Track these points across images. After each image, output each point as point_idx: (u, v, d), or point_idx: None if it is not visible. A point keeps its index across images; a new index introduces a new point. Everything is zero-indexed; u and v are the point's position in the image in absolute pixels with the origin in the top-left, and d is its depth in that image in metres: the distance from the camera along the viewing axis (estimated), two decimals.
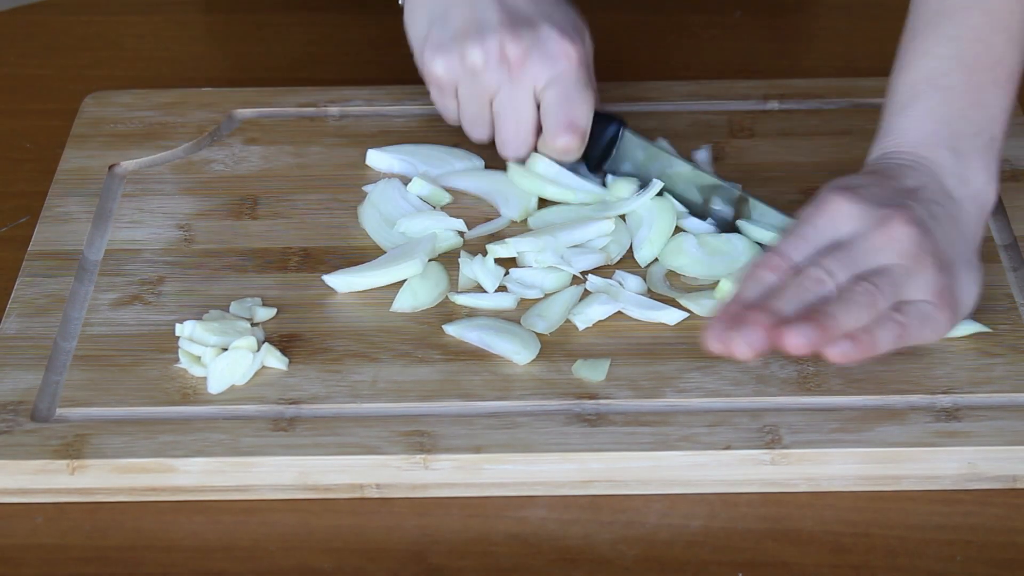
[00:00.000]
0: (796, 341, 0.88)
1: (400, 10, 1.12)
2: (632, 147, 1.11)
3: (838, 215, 0.94)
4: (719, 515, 0.92)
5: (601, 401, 0.96)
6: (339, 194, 1.12)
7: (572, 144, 1.08)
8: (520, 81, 1.06)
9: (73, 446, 0.93)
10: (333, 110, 1.19)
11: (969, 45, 1.00)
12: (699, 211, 1.09)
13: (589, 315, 1.00)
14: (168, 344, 1.00)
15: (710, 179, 1.08)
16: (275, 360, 0.98)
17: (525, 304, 1.03)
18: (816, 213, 0.95)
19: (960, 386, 0.96)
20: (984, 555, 0.90)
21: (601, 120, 1.10)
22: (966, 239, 0.97)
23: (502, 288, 1.03)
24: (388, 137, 1.16)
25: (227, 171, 1.14)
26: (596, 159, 1.11)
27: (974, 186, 0.98)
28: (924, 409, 0.95)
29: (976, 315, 1.00)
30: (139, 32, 1.34)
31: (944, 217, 0.96)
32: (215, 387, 0.97)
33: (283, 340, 1.00)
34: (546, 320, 1.00)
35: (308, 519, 0.92)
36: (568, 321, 1.01)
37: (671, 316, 1.01)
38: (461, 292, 1.03)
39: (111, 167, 1.14)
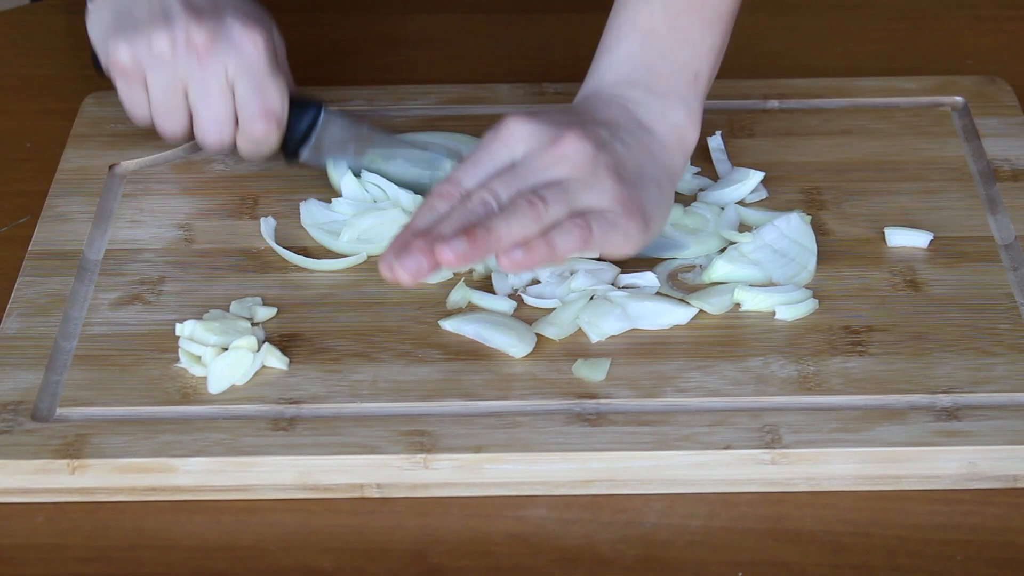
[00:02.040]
0: (447, 255, 0.91)
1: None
2: (336, 128, 1.11)
3: (512, 138, 0.96)
4: (719, 515, 0.92)
5: (601, 401, 0.96)
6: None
7: (269, 131, 1.08)
8: (208, 68, 1.06)
9: (73, 446, 0.93)
10: (333, 110, 1.19)
11: None
12: (423, 187, 1.09)
13: (603, 328, 1.00)
14: (168, 344, 1.00)
15: (422, 146, 1.10)
16: (275, 360, 0.98)
17: (525, 308, 1.03)
18: (491, 138, 0.97)
19: (960, 386, 0.96)
20: (984, 555, 0.90)
21: (299, 105, 1.10)
22: (658, 164, 0.99)
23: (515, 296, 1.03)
24: None
25: (227, 171, 1.14)
26: (294, 145, 1.10)
27: (672, 119, 1.01)
28: (924, 409, 0.94)
29: (976, 314, 1.00)
30: None
31: (634, 143, 0.99)
32: (215, 387, 0.97)
33: (283, 340, 1.00)
34: (557, 327, 1.00)
35: (308, 519, 0.92)
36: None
37: (683, 316, 1.01)
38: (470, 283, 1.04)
39: (111, 167, 1.14)
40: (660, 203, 0.99)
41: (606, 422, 0.94)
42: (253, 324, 1.01)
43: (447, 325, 1.00)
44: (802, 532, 0.91)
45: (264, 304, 1.03)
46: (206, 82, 1.06)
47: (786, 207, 1.09)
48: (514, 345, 0.99)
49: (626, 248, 0.97)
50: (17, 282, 1.05)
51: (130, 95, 1.08)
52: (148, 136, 1.16)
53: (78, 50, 1.32)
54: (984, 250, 1.06)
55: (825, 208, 1.09)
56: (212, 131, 1.08)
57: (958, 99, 1.19)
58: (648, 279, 1.03)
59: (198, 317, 1.01)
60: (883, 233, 1.07)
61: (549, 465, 0.93)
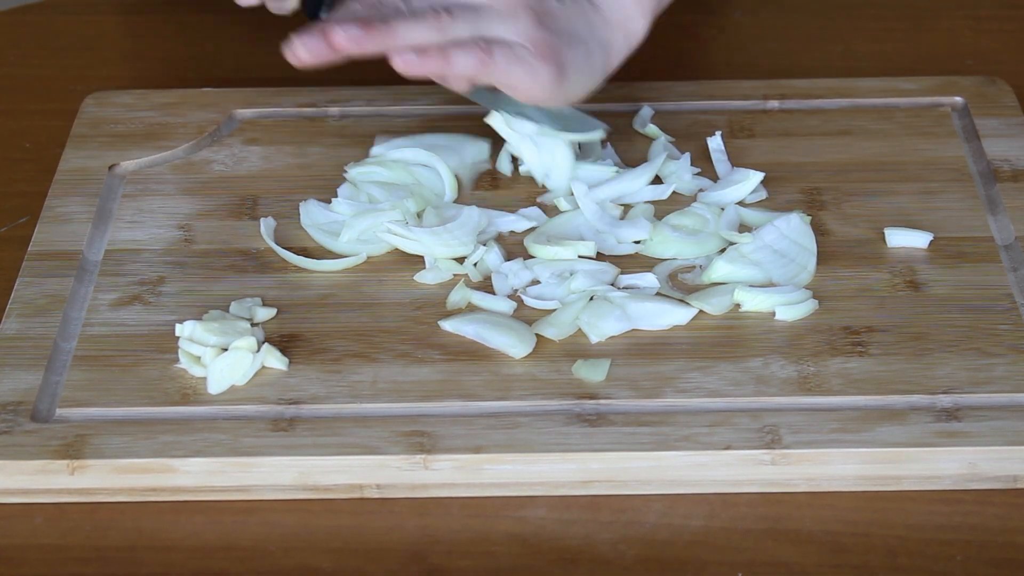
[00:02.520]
0: (339, 36, 0.95)
1: None
2: None
3: None
4: (719, 515, 0.92)
5: (601, 401, 0.96)
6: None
7: None
8: None
9: (73, 446, 0.93)
10: (333, 110, 1.19)
11: None
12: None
13: (603, 329, 1.00)
14: (168, 344, 1.00)
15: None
16: (275, 360, 0.98)
17: (525, 309, 1.03)
18: None
19: (960, 386, 0.96)
20: (984, 555, 0.90)
21: None
22: (594, 32, 1.02)
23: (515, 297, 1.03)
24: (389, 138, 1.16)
25: (227, 171, 1.14)
26: (314, 5, 1.09)
27: (622, 4, 1.04)
28: (924, 409, 0.94)
29: (976, 315, 1.00)
30: (139, 32, 1.34)
31: (572, 5, 1.02)
32: (215, 387, 0.97)
33: (283, 340, 1.00)
34: (557, 328, 1.00)
35: (308, 519, 0.92)
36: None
37: (683, 317, 1.00)
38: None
39: (111, 167, 1.14)
40: (583, 64, 1.01)
41: (606, 423, 0.94)
42: (253, 324, 1.01)
43: (447, 326, 1.00)
44: (802, 532, 0.91)
45: (264, 305, 1.03)
46: None
47: (786, 208, 1.09)
48: (514, 346, 0.99)
49: (533, 90, 1.00)
50: (16, 282, 1.04)
51: None
52: (148, 136, 1.16)
53: (78, 50, 1.32)
54: (984, 251, 1.05)
55: (825, 209, 1.09)
56: None
57: (958, 100, 1.19)
58: (648, 280, 1.03)
59: (198, 317, 1.01)
60: (883, 234, 1.07)
61: (549, 466, 0.93)
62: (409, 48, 0.97)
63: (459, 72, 0.98)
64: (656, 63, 1.27)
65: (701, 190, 1.10)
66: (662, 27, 1.32)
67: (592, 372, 0.97)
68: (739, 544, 0.91)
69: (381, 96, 1.20)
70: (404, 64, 0.97)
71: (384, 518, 0.92)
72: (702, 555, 0.90)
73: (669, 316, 1.01)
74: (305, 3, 1.08)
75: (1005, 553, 0.90)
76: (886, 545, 0.90)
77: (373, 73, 1.26)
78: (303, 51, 0.97)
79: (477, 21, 0.98)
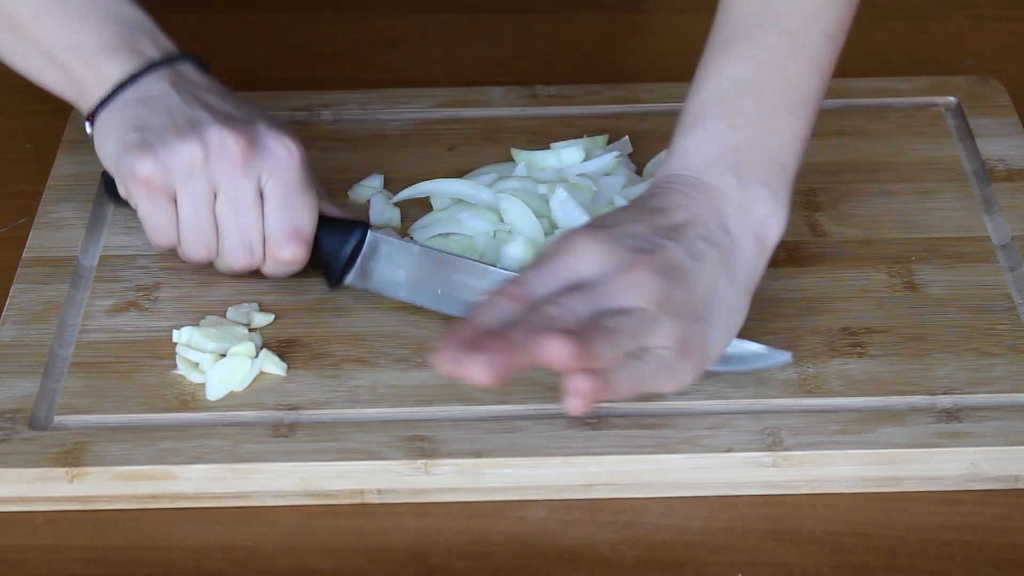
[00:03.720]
0: (558, 348, 0.84)
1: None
2: (390, 250, 1.02)
3: (583, 255, 0.90)
4: (719, 515, 0.92)
5: (602, 404, 0.95)
6: (338, 199, 1.11)
7: (296, 254, 1.00)
8: (244, 176, 0.98)
9: (72, 454, 0.93)
10: (326, 114, 1.19)
11: (761, 67, 0.95)
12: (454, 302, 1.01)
13: None
14: (165, 350, 0.99)
15: (496, 272, 1.00)
16: (274, 366, 0.98)
17: None
18: (561, 250, 0.90)
19: (960, 387, 0.96)
20: (984, 555, 0.90)
21: (339, 225, 1.02)
22: (734, 279, 0.93)
23: None
24: (382, 141, 1.16)
25: None
26: (339, 271, 1.02)
27: (755, 216, 0.94)
28: (925, 410, 0.95)
29: (975, 315, 1.00)
30: None
31: (710, 256, 0.92)
32: (214, 393, 0.97)
33: (281, 346, 1.00)
34: None
35: (308, 520, 0.92)
36: None
37: None
38: None
39: (104, 172, 1.14)
40: (723, 336, 0.92)
41: (607, 426, 0.94)
42: (250, 330, 1.01)
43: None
44: (802, 532, 0.91)
45: (260, 310, 1.02)
46: (239, 193, 0.98)
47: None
48: None
49: (670, 390, 0.91)
50: (12, 289, 1.04)
51: (154, 214, 0.99)
52: None
53: None
54: (981, 251, 1.06)
55: (821, 209, 1.09)
56: (240, 252, 1.00)
57: (951, 99, 1.19)
58: None
59: (195, 323, 1.00)
60: (879, 234, 1.07)
61: (550, 469, 0.93)
62: (587, 370, 0.86)
63: (621, 393, 0.89)
64: (654, 63, 1.27)
65: None
66: (662, 28, 1.32)
67: None
68: (739, 544, 0.91)
69: (374, 99, 1.20)
70: (581, 390, 0.86)
71: (384, 519, 0.92)
72: (702, 556, 0.90)
73: None
74: (327, 272, 1.02)
75: (1005, 553, 0.90)
76: (886, 545, 0.90)
77: (369, 73, 1.26)
78: (482, 370, 0.84)
79: (637, 332, 0.88)
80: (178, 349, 0.99)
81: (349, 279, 1.02)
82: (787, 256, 1.05)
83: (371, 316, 1.02)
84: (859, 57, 1.28)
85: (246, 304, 1.02)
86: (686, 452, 0.93)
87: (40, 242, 1.08)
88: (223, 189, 0.98)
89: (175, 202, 0.99)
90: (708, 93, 0.96)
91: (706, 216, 0.93)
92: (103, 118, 1.00)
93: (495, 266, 1.01)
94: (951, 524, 0.92)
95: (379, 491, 0.93)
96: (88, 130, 1.01)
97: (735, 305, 0.93)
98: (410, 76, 1.26)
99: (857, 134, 1.16)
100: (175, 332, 1.00)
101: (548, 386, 0.97)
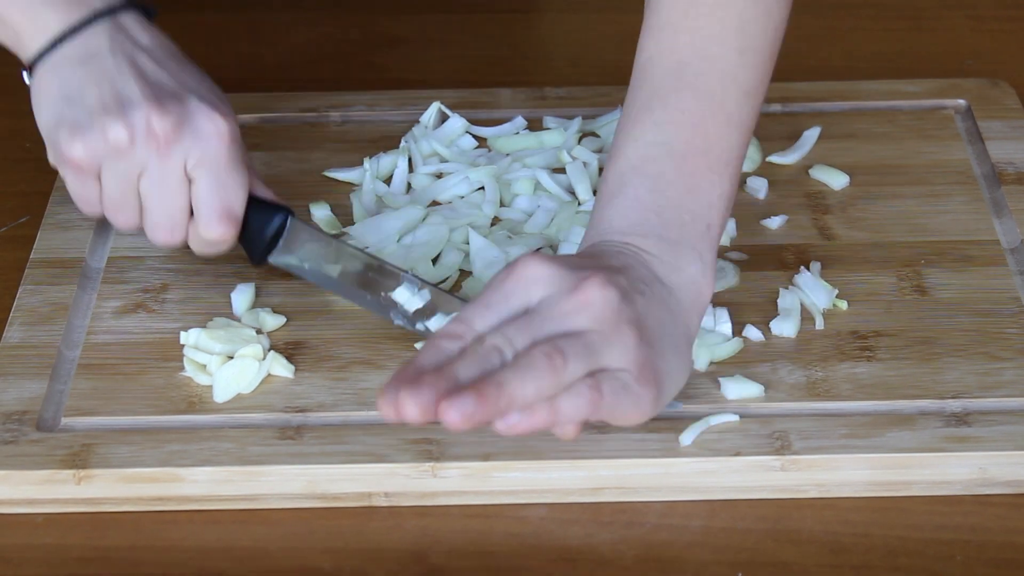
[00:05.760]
0: (451, 416, 0.81)
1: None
2: (303, 238, 1.01)
3: (528, 280, 0.87)
4: (719, 515, 0.92)
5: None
6: (341, 200, 1.11)
7: (227, 234, 0.98)
8: (169, 158, 0.97)
9: (79, 456, 0.93)
10: (334, 115, 1.19)
11: (679, 130, 0.94)
12: (378, 305, 1.00)
13: None
14: (173, 352, 0.99)
15: (391, 268, 1.00)
16: (281, 368, 0.98)
17: None
18: (505, 278, 0.87)
19: (969, 391, 0.96)
20: (984, 555, 0.90)
21: (262, 207, 1.01)
22: (677, 323, 0.91)
23: None
24: (390, 142, 1.16)
25: None
26: (261, 250, 1.01)
27: (687, 275, 0.92)
28: (934, 414, 0.94)
29: (984, 319, 1.00)
30: None
31: (652, 296, 0.90)
32: (221, 395, 0.97)
33: (288, 348, 1.00)
34: None
35: (308, 521, 0.92)
36: None
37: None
38: None
39: None
40: (676, 371, 0.90)
41: (615, 429, 0.94)
42: (259, 332, 1.00)
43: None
44: (802, 532, 0.91)
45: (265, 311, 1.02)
46: (163, 174, 0.97)
47: (791, 211, 1.09)
48: None
49: (632, 419, 0.88)
50: (19, 290, 1.04)
51: (81, 191, 0.99)
52: None
53: None
54: (990, 254, 1.05)
55: (830, 212, 1.09)
56: (163, 229, 0.98)
57: (961, 102, 1.19)
58: None
59: (202, 325, 1.00)
60: (888, 237, 1.06)
61: (558, 473, 0.92)
62: (517, 408, 0.83)
63: (566, 423, 0.85)
64: None
65: None
66: None
67: None
68: (739, 544, 0.91)
69: (382, 101, 1.20)
70: (508, 430, 0.83)
71: (384, 519, 0.92)
72: (702, 555, 0.90)
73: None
74: (250, 250, 1.01)
75: (1005, 553, 0.90)
76: (886, 545, 0.90)
77: (372, 72, 1.26)
78: (411, 408, 0.81)
79: (588, 354, 0.85)
80: (185, 351, 0.99)
81: (273, 259, 1.01)
82: (796, 259, 1.05)
83: (378, 318, 1.02)
84: (860, 57, 1.28)
85: (259, 308, 1.02)
86: (694, 456, 0.92)
87: (48, 243, 1.08)
88: (147, 170, 0.97)
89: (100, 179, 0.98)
90: (626, 161, 0.94)
91: (643, 271, 0.91)
92: (40, 74, 0.98)
93: (411, 272, 1.00)
94: (951, 524, 0.91)
95: (386, 494, 0.92)
96: (26, 80, 1.00)
97: (681, 348, 0.91)
98: (411, 76, 1.26)
99: (866, 137, 1.16)
100: (182, 334, 1.00)
101: None
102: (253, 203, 1.00)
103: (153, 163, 0.96)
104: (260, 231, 1.00)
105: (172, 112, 0.96)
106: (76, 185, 0.98)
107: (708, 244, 0.93)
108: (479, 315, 0.86)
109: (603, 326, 0.86)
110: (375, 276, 1.00)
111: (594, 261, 0.90)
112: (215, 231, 0.98)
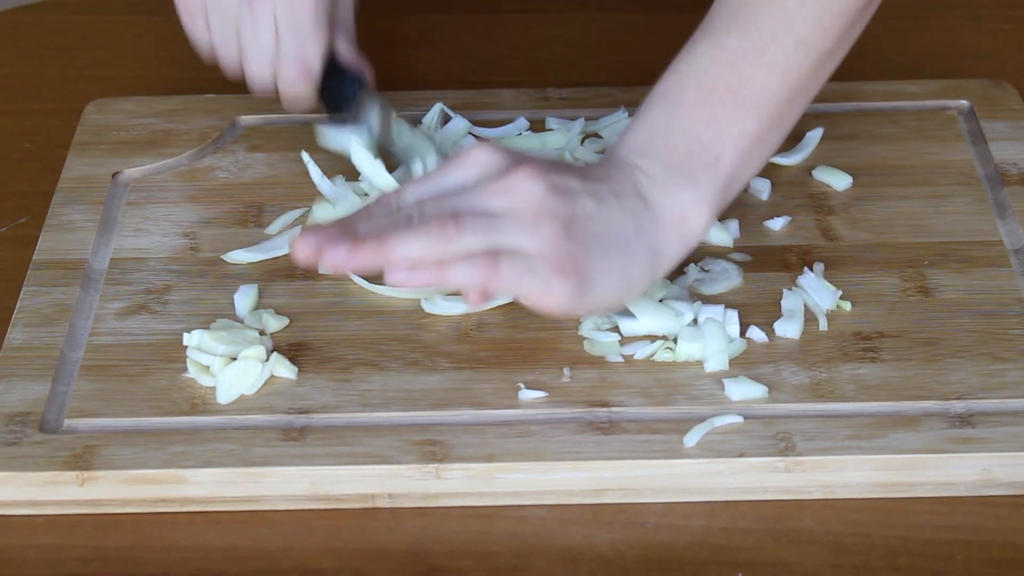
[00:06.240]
0: (328, 257, 0.89)
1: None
2: (374, 104, 1.12)
3: (470, 163, 0.93)
4: (719, 515, 0.92)
5: (614, 409, 0.95)
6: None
7: (300, 81, 1.08)
8: (258, 13, 1.07)
9: (82, 457, 0.93)
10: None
11: (713, 64, 0.95)
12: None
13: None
14: (176, 354, 0.99)
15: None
16: (284, 369, 0.98)
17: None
18: (452, 160, 0.94)
19: (973, 392, 0.96)
20: (984, 555, 0.90)
21: (344, 73, 1.11)
22: (642, 235, 0.93)
23: None
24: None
25: (231, 178, 1.14)
26: (335, 106, 1.11)
27: (678, 199, 0.94)
28: (938, 415, 0.94)
29: (987, 320, 1.00)
30: (139, 32, 1.33)
31: (620, 210, 0.93)
32: (224, 397, 0.96)
33: (292, 349, 1.00)
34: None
35: (309, 521, 0.92)
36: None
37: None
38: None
39: (114, 175, 1.14)
40: (617, 273, 0.92)
41: (618, 430, 0.94)
42: (262, 333, 1.00)
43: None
44: (802, 532, 0.91)
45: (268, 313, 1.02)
46: (256, 25, 1.07)
47: (794, 212, 1.09)
48: None
49: (548, 303, 0.91)
50: (22, 292, 1.04)
51: (193, 28, 1.10)
52: (151, 144, 1.16)
53: (79, 50, 1.32)
54: (994, 255, 1.05)
55: (833, 213, 1.09)
56: (255, 68, 1.08)
57: (964, 103, 1.18)
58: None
59: (205, 326, 1.00)
60: (891, 238, 1.06)
61: (561, 474, 0.92)
62: (405, 262, 0.90)
63: (459, 286, 0.91)
64: (657, 64, 1.27)
65: None
66: (663, 27, 1.32)
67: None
68: (739, 544, 0.90)
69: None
70: (395, 281, 0.90)
71: (385, 519, 0.92)
72: (702, 555, 0.90)
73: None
74: (327, 100, 1.11)
75: (1005, 553, 0.90)
76: (886, 545, 0.90)
77: (378, 72, 1.25)
78: (301, 253, 0.90)
79: (491, 231, 0.90)
80: (188, 352, 0.99)
81: (346, 114, 1.11)
82: (799, 260, 1.05)
83: (382, 319, 1.02)
84: (859, 57, 1.27)
85: (263, 309, 1.02)
86: (698, 457, 0.92)
87: (50, 244, 1.07)
88: (242, 20, 1.07)
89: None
90: (658, 87, 0.98)
91: (626, 185, 0.94)
92: None
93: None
94: (951, 524, 0.91)
95: (390, 496, 0.92)
96: None
97: (637, 258, 0.93)
98: (415, 76, 1.26)
99: (869, 138, 1.16)
100: (185, 335, 0.99)
101: (559, 390, 0.96)
102: (332, 66, 1.10)
103: (246, 14, 1.07)
104: (333, 94, 1.10)
105: None
106: (188, 23, 1.10)
107: (711, 175, 0.95)
108: (413, 189, 0.93)
109: (520, 213, 0.91)
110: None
111: (568, 166, 0.94)
112: (290, 74, 1.08)
